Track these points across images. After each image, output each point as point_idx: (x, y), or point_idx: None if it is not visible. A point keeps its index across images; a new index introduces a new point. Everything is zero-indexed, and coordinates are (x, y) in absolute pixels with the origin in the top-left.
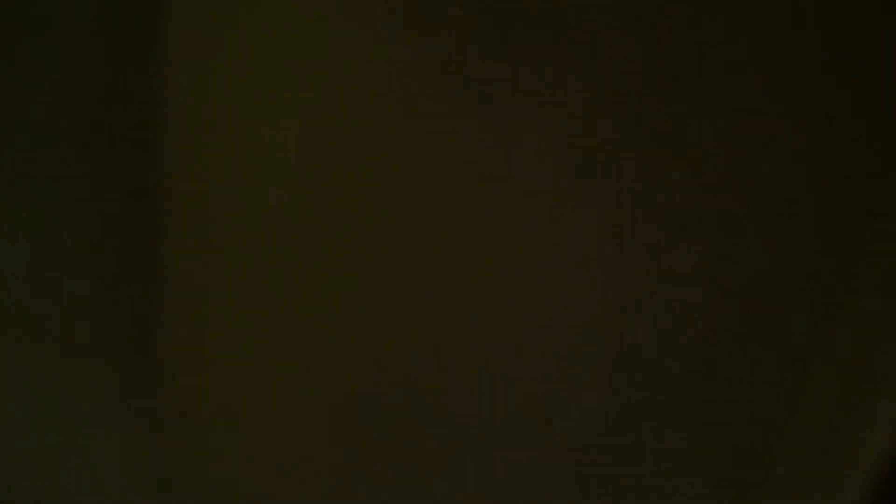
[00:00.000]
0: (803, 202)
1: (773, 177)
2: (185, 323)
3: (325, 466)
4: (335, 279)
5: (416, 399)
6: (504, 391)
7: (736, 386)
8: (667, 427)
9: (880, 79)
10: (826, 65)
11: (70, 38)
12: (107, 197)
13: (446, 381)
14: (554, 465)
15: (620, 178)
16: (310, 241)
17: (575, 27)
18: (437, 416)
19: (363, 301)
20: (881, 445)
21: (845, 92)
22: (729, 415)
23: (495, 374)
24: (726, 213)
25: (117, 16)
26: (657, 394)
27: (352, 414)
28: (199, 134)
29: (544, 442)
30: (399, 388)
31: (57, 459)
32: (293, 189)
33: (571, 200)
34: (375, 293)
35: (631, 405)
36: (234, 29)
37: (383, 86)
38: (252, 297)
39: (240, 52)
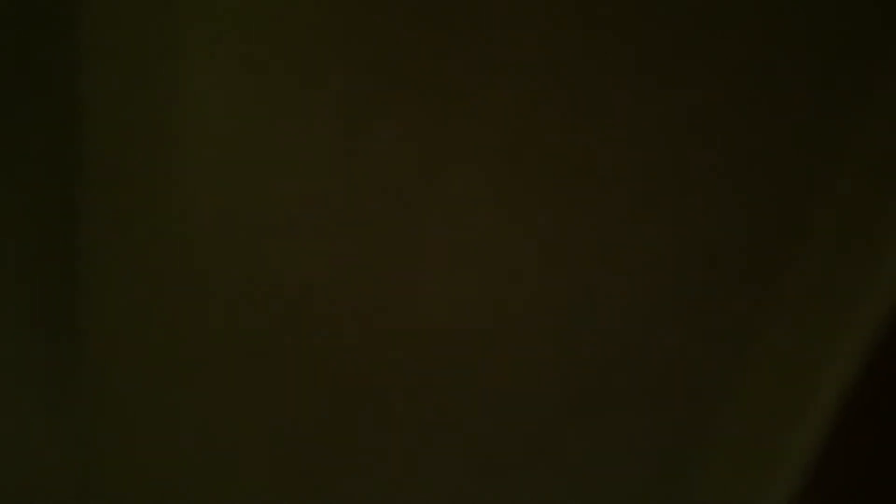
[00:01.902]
0: (741, 195)
1: (714, 173)
2: (110, 316)
3: (259, 457)
4: (268, 267)
5: (356, 387)
6: (448, 375)
7: (678, 372)
8: (612, 410)
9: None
10: (778, 56)
11: None
12: (30, 189)
13: (387, 368)
14: (501, 446)
15: (568, 167)
16: (241, 228)
17: (525, 14)
18: (378, 402)
19: (297, 288)
20: (815, 429)
21: (797, 79)
22: (672, 399)
23: (438, 359)
24: (671, 204)
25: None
26: (603, 377)
27: (287, 403)
28: (124, 123)
29: (489, 424)
30: (337, 376)
31: None
32: (223, 178)
33: (520, 189)
34: (311, 280)
35: (579, 388)
36: (162, 16)
37: (323, 70)
38: (180, 288)
39: (166, 41)
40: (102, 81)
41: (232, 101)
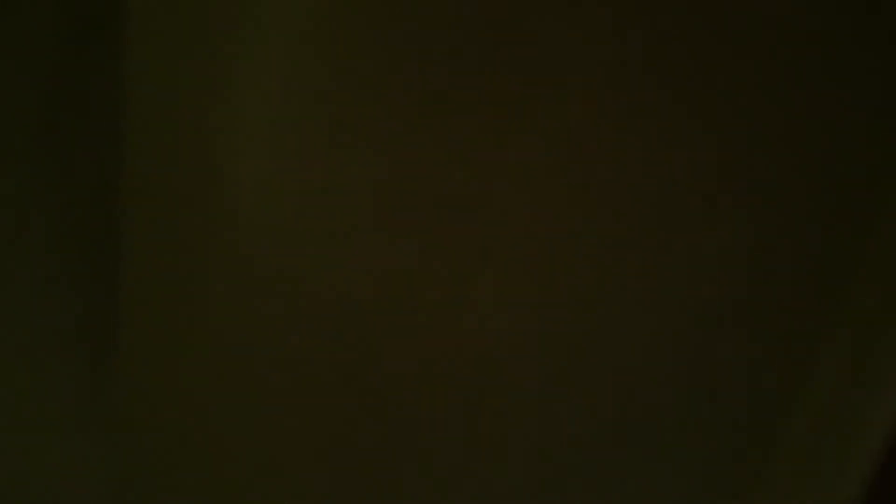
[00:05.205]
0: (801, 200)
1: (771, 175)
2: (149, 324)
3: (299, 467)
4: (311, 278)
5: (398, 398)
6: (494, 389)
7: (731, 385)
8: (661, 426)
9: (880, 77)
10: (826, 62)
11: (35, 35)
12: (71, 196)
13: (433, 381)
14: (547, 463)
15: (614, 177)
16: (285, 238)
17: (572, 26)
18: (422, 416)
19: (340, 300)
20: (875, 447)
21: (845, 88)
22: (724, 414)
23: (484, 372)
24: (724, 211)
25: (86, 9)
26: (651, 393)
27: (329, 414)
28: (169, 130)
29: (536, 440)
30: (380, 387)
31: (18, 461)
32: (267, 187)
33: (565, 199)
34: (352, 291)
35: (625, 404)
36: (210, 24)
37: (371, 80)
38: (220, 297)
39: (214, 48)
40: (145, 88)
41: (280, 108)
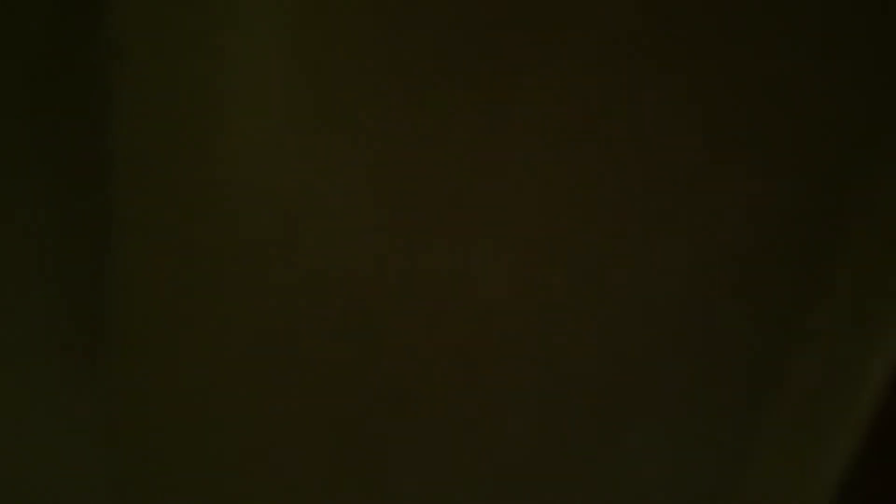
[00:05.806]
0: (792, 190)
1: (764, 166)
2: (148, 323)
3: (299, 467)
4: (310, 276)
5: (400, 393)
6: (495, 372)
7: (723, 367)
8: (655, 412)
9: (876, 70)
10: (821, 56)
11: (27, 32)
12: (69, 195)
13: (435, 376)
14: (543, 444)
15: (614, 164)
16: (284, 236)
17: (570, 24)
18: (424, 412)
19: (340, 297)
20: (858, 429)
21: (839, 81)
22: (716, 396)
23: (487, 365)
24: (717, 200)
25: (79, 5)
26: (646, 377)
27: (330, 412)
28: (166, 129)
29: (533, 424)
30: (382, 383)
31: (17, 461)
32: (265, 185)
33: (566, 186)
34: (353, 290)
35: (620, 384)
36: (206, 22)
37: (370, 78)
38: (219, 296)
39: (206, 38)
40: (141, 84)
41: (278, 105)
